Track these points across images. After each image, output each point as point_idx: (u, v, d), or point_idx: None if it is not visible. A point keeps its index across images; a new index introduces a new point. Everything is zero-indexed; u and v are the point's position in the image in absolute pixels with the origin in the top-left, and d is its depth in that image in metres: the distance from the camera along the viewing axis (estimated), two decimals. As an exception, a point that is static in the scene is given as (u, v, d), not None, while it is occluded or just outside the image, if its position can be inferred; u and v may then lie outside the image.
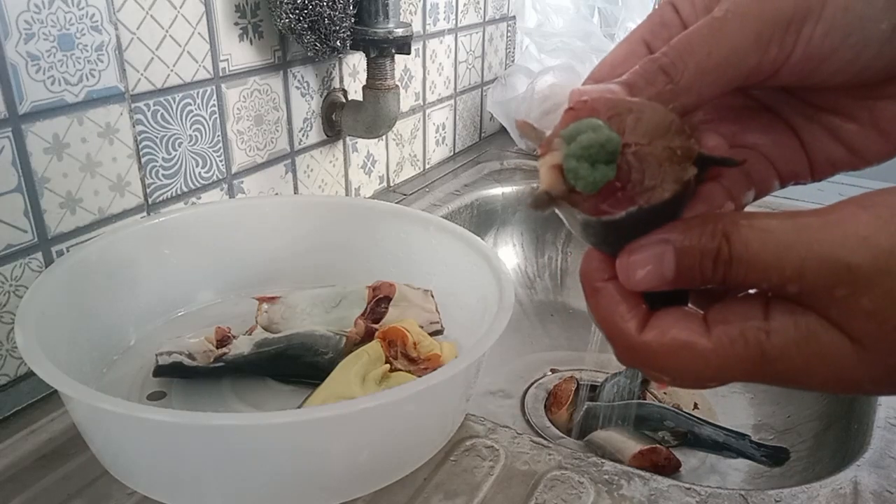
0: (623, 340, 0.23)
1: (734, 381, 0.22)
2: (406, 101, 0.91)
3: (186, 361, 0.49)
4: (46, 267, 0.52)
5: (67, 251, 0.54)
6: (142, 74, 0.57)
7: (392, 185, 0.93)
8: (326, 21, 0.65)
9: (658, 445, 0.62)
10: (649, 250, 0.22)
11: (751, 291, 0.22)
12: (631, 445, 0.62)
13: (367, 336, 0.52)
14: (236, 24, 0.64)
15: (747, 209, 0.25)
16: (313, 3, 0.64)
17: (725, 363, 0.22)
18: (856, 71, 0.23)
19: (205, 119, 0.63)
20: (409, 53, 0.73)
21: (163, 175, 0.61)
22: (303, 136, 0.76)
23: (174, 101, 0.60)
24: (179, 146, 0.61)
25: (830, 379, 0.21)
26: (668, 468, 0.62)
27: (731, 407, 0.74)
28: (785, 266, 0.21)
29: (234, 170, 0.68)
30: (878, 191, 0.20)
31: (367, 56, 0.72)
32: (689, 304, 0.25)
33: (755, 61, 0.22)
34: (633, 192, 0.22)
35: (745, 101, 0.28)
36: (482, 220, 0.93)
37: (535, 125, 0.24)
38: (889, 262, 0.19)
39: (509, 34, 1.14)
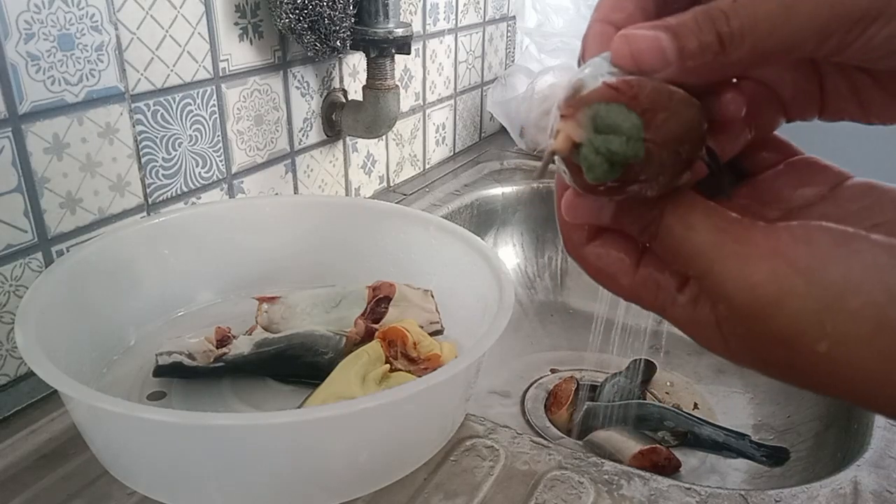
0: (569, 243, 0.26)
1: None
2: (406, 101, 0.91)
3: (186, 361, 0.49)
4: (46, 267, 0.52)
5: (67, 251, 0.54)
6: (142, 74, 0.57)
7: (392, 185, 0.93)
8: (326, 21, 0.65)
9: (658, 445, 0.62)
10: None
11: None
12: (631, 445, 0.62)
13: (367, 336, 0.52)
14: (236, 24, 0.64)
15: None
16: (313, 3, 0.64)
17: (634, 299, 0.25)
18: None
19: (205, 119, 0.63)
20: (409, 53, 0.73)
21: (163, 175, 0.61)
22: (303, 136, 0.76)
23: (174, 101, 0.60)
24: (179, 146, 0.61)
25: (708, 341, 0.24)
26: (668, 468, 0.62)
27: (731, 407, 0.74)
28: (691, 265, 0.23)
29: (234, 170, 0.68)
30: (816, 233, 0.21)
31: (367, 56, 0.72)
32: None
33: (810, 48, 0.21)
34: (625, 183, 0.22)
35: None
36: (482, 220, 0.93)
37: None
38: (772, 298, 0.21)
39: (509, 34, 1.14)
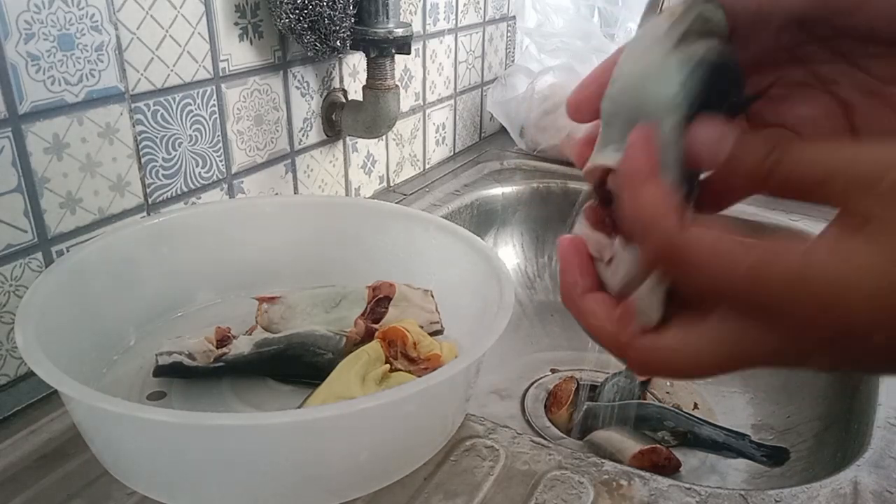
0: (661, 233, 0.22)
1: (767, 302, 0.21)
2: (406, 101, 0.91)
3: (186, 361, 0.49)
4: (46, 267, 0.52)
5: (67, 251, 0.54)
6: (142, 74, 0.57)
7: (392, 185, 0.93)
8: (326, 21, 0.65)
9: (658, 445, 0.62)
10: None
11: None
12: (631, 445, 0.62)
13: (367, 336, 0.52)
14: (236, 24, 0.64)
15: None
16: (313, 3, 0.64)
17: (759, 278, 0.21)
18: None
19: (205, 119, 0.63)
20: (409, 53, 0.73)
21: (163, 175, 0.61)
22: (303, 136, 0.76)
23: (174, 101, 0.60)
24: (179, 146, 0.61)
25: (853, 283, 0.20)
26: (668, 468, 0.62)
27: (731, 407, 0.74)
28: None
29: (234, 170, 0.68)
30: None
31: (367, 56, 0.72)
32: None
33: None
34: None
35: (805, 78, 0.27)
36: (482, 220, 0.93)
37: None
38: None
39: (509, 34, 1.14)
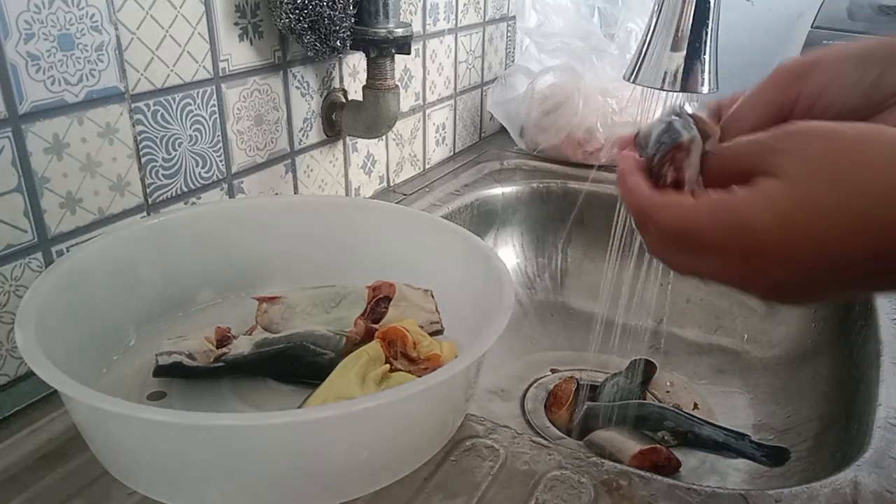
0: (637, 195, 0.35)
1: (698, 237, 0.32)
2: (406, 101, 0.91)
3: (186, 361, 0.49)
4: (46, 267, 0.52)
5: (67, 251, 0.54)
6: (142, 74, 0.57)
7: (392, 185, 0.93)
8: (326, 21, 0.65)
9: (658, 445, 0.62)
10: None
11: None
12: (631, 445, 0.62)
13: (367, 336, 0.52)
14: (236, 24, 0.64)
15: None
16: (313, 3, 0.64)
17: (695, 212, 0.32)
18: (841, 104, 0.35)
19: (205, 119, 0.63)
20: (409, 53, 0.73)
21: (163, 175, 0.61)
22: (303, 136, 0.76)
23: (174, 101, 0.60)
24: (179, 146, 0.61)
25: (762, 205, 0.30)
26: (668, 468, 0.62)
27: (731, 407, 0.74)
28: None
29: (234, 170, 0.68)
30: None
31: (367, 56, 0.72)
32: None
33: (778, 100, 0.36)
34: None
35: None
36: (482, 220, 0.93)
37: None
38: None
39: (509, 34, 1.14)
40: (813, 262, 0.30)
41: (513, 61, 1.15)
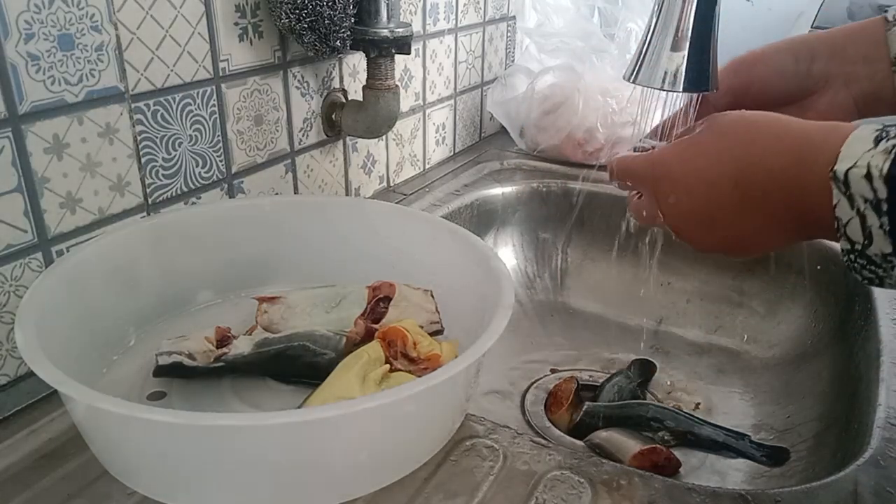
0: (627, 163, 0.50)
1: (643, 179, 0.49)
2: (406, 101, 0.91)
3: (186, 361, 0.49)
4: (46, 267, 0.52)
5: (67, 251, 0.54)
6: (142, 74, 0.57)
7: (392, 185, 0.93)
8: (326, 21, 0.65)
9: (658, 445, 0.62)
10: None
11: None
12: (631, 445, 0.62)
13: (367, 336, 0.52)
14: (236, 24, 0.64)
15: None
16: (313, 3, 0.64)
17: (636, 165, 0.49)
18: (781, 89, 0.51)
19: (205, 119, 0.63)
20: (409, 53, 0.73)
21: (163, 175, 0.61)
22: (303, 136, 0.76)
23: (174, 101, 0.60)
24: (179, 146, 0.61)
25: (677, 161, 0.46)
26: (668, 468, 0.62)
27: (731, 407, 0.74)
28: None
29: (234, 170, 0.68)
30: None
31: (367, 56, 0.72)
32: None
33: (728, 84, 0.52)
34: None
35: None
36: (482, 220, 0.93)
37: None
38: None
39: (509, 34, 1.14)
40: (696, 183, 0.43)
41: (513, 61, 1.15)
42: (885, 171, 0.34)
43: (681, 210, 0.45)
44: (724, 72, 0.50)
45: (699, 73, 0.55)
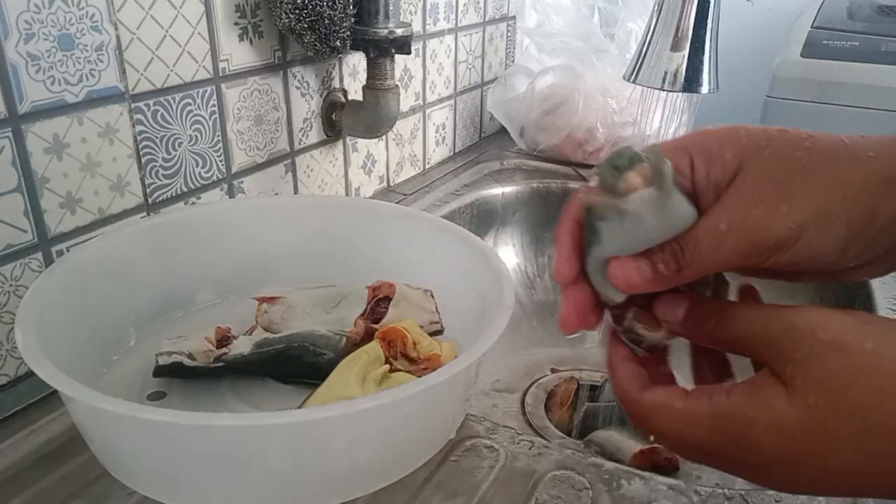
0: (625, 397, 0.32)
1: (698, 442, 0.30)
2: (406, 101, 0.91)
3: (186, 361, 0.49)
4: (46, 267, 0.52)
5: (67, 251, 0.54)
6: (142, 74, 0.57)
7: (392, 185, 0.93)
8: (326, 21, 0.65)
9: (658, 445, 0.62)
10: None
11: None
12: (631, 445, 0.62)
13: (367, 336, 0.52)
14: (236, 24, 0.64)
15: None
16: (313, 3, 0.64)
17: (692, 419, 0.29)
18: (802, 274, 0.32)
19: (205, 119, 0.63)
20: (409, 53, 0.73)
21: (163, 175, 0.61)
22: (303, 136, 0.76)
23: (174, 101, 0.60)
24: (179, 146, 0.61)
25: (769, 425, 0.27)
26: (668, 468, 0.62)
27: (731, 407, 0.74)
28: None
29: (234, 170, 0.68)
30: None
31: (367, 56, 0.72)
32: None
33: (738, 265, 0.30)
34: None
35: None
36: (482, 220, 0.93)
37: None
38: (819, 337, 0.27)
39: (509, 34, 1.14)
40: (820, 482, 0.28)
41: (513, 61, 1.15)
42: None
43: (780, 484, 0.31)
44: (738, 256, 0.29)
45: (698, 73, 0.55)
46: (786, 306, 0.28)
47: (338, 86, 0.79)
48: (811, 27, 1.06)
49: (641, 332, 0.32)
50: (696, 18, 0.59)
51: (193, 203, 0.64)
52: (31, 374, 0.50)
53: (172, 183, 0.62)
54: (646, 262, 0.30)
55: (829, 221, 0.28)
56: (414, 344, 0.51)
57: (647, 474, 0.46)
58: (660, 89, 0.62)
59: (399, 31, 0.70)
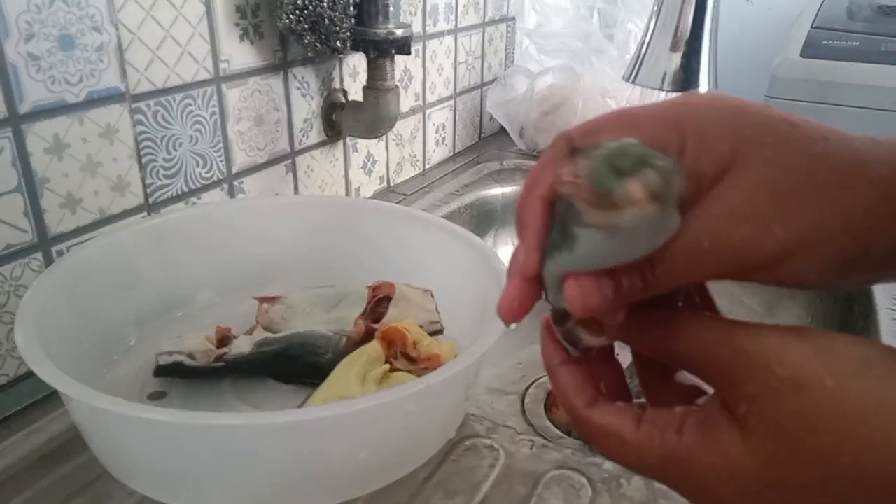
0: (573, 412, 0.29)
1: (650, 475, 0.27)
2: (406, 101, 0.91)
3: (187, 361, 0.49)
4: (46, 267, 0.52)
5: (67, 251, 0.54)
6: (142, 75, 0.57)
7: (392, 185, 0.93)
8: (327, 22, 0.65)
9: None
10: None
11: (677, 409, 0.27)
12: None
13: (367, 336, 0.52)
14: (237, 24, 0.64)
15: None
16: (314, 3, 0.64)
17: (643, 456, 0.27)
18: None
19: (205, 119, 0.63)
20: (409, 54, 0.73)
21: (163, 175, 0.61)
22: (303, 136, 0.76)
23: (175, 102, 0.60)
24: (180, 146, 0.62)
25: (726, 476, 0.24)
26: (668, 468, 0.62)
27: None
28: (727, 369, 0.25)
29: (234, 170, 0.68)
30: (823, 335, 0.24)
31: (367, 57, 0.72)
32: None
33: (712, 279, 0.27)
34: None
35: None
36: (482, 220, 0.93)
37: None
38: (775, 368, 0.23)
39: (509, 35, 1.14)
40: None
41: (512, 62, 1.15)
42: None
43: None
44: (716, 274, 0.26)
45: (698, 73, 0.55)
46: (740, 325, 0.25)
47: (338, 86, 0.79)
48: (811, 27, 1.06)
49: (582, 337, 0.29)
50: (694, 19, 0.59)
51: (194, 203, 0.64)
52: (31, 374, 0.50)
53: (173, 183, 0.62)
54: (609, 283, 0.25)
55: (822, 248, 0.25)
56: (414, 344, 0.51)
57: (646, 474, 0.46)
58: (659, 89, 0.62)
59: (399, 32, 0.70)
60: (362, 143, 0.85)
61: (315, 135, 0.78)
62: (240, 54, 0.65)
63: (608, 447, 0.28)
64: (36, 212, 0.51)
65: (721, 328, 0.25)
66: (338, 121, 0.79)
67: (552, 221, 0.26)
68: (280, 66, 0.70)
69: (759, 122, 0.25)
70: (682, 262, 0.25)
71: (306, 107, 0.75)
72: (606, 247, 0.23)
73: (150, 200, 0.60)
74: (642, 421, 0.27)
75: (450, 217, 0.85)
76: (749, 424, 0.24)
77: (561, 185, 0.23)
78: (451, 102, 1.03)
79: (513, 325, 0.30)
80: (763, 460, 0.24)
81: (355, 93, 0.81)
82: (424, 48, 0.93)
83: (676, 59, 0.61)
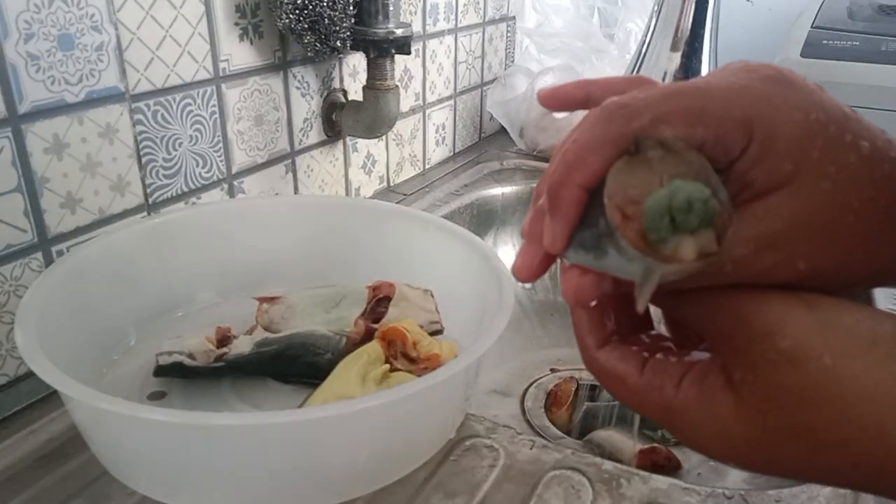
0: (583, 351, 0.30)
1: (651, 418, 0.28)
2: (406, 101, 0.91)
3: (187, 361, 0.49)
4: (46, 267, 0.52)
5: (67, 251, 0.54)
6: (142, 74, 0.57)
7: (392, 185, 0.93)
8: (326, 21, 0.65)
9: (658, 445, 0.62)
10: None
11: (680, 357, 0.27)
12: (630, 445, 0.62)
13: (367, 336, 0.52)
14: (236, 24, 0.64)
15: None
16: (313, 3, 0.64)
17: (643, 402, 0.27)
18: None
19: (205, 119, 0.63)
20: (409, 54, 0.73)
21: (163, 175, 0.61)
22: (303, 136, 0.76)
23: (174, 102, 0.60)
24: (180, 146, 0.61)
25: (715, 434, 0.25)
26: (668, 468, 0.62)
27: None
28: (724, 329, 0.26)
29: (234, 170, 0.68)
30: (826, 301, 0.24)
31: (367, 56, 0.72)
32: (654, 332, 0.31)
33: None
34: None
35: None
36: (482, 220, 0.93)
37: None
38: (775, 332, 0.23)
39: (509, 34, 1.14)
40: (764, 472, 0.26)
41: (513, 62, 1.15)
42: None
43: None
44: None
45: (698, 73, 0.55)
46: (745, 290, 0.24)
47: (338, 86, 0.79)
48: (811, 27, 1.06)
49: None
50: (695, 18, 0.59)
51: (194, 203, 0.64)
52: (31, 374, 0.50)
53: (173, 183, 0.62)
54: (610, 281, 0.25)
55: (839, 282, 0.25)
56: (414, 344, 0.51)
57: (646, 474, 0.46)
58: (659, 89, 0.62)
59: (399, 32, 0.70)
60: (362, 143, 0.85)
61: (315, 135, 0.77)
62: (239, 54, 0.65)
63: (613, 389, 0.29)
64: (36, 212, 0.51)
65: (726, 292, 0.25)
66: (338, 121, 0.79)
67: (586, 214, 0.25)
68: (280, 65, 0.70)
69: (830, 146, 0.24)
70: (696, 280, 0.24)
71: (306, 106, 0.75)
72: (632, 272, 0.23)
73: (150, 200, 0.60)
74: (645, 368, 0.27)
75: (450, 217, 0.85)
76: (743, 392, 0.24)
77: (611, 213, 0.22)
78: (451, 102, 1.03)
79: (528, 285, 0.33)
80: (753, 428, 0.24)
81: (355, 93, 0.81)
82: (424, 48, 0.93)
83: (677, 59, 0.61)
